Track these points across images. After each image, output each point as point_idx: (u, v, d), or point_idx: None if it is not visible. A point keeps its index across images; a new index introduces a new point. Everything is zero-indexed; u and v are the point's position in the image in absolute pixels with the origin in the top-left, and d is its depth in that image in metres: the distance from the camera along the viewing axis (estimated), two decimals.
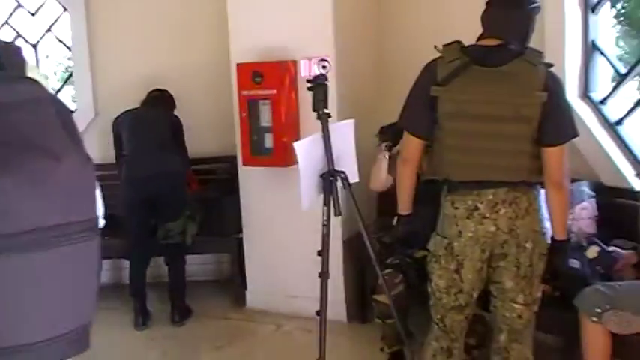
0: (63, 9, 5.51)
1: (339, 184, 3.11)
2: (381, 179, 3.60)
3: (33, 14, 5.76)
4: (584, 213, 3.79)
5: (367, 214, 4.08)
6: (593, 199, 3.81)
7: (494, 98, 2.57)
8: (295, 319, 4.47)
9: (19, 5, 5.79)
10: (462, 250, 2.69)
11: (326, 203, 3.06)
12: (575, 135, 2.69)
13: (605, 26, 4.18)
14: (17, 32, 5.85)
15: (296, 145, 2.98)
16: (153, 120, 4.72)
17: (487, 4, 2.71)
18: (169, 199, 4.55)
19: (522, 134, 2.59)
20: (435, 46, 2.66)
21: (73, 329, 1.49)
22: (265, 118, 4.42)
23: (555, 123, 2.59)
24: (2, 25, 5.86)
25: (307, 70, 3.03)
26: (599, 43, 4.08)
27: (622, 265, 3.40)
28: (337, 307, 4.27)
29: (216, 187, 5.06)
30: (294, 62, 4.37)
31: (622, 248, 3.49)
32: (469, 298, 2.78)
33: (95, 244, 1.52)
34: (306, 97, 4.38)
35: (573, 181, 3.79)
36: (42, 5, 5.68)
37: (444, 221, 2.74)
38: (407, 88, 2.74)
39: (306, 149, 3.03)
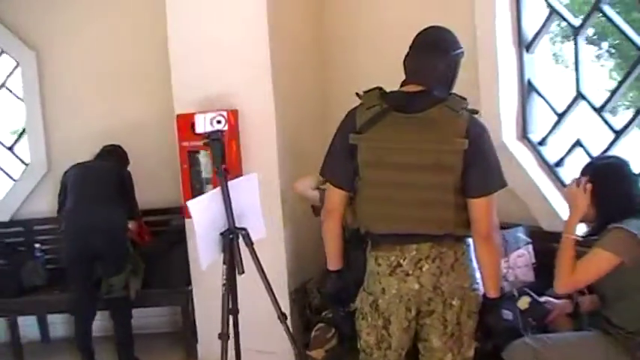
0: (15, 63, 5.51)
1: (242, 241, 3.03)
2: (306, 183, 3.55)
3: None
4: (521, 260, 3.63)
5: (316, 263, 4.01)
6: (529, 246, 3.64)
7: (414, 146, 2.45)
8: None
9: None
10: (387, 308, 2.58)
11: (225, 262, 2.98)
12: (503, 185, 2.54)
13: (542, 65, 4.05)
14: None
15: (190, 203, 2.90)
16: (99, 173, 4.69)
17: (410, 47, 2.63)
18: (109, 253, 4.47)
19: (444, 184, 2.45)
20: (357, 93, 2.58)
21: None
22: (206, 169, 4.35)
23: (479, 173, 2.46)
24: None
25: (203, 126, 2.94)
26: (536, 83, 3.96)
27: (556, 316, 3.24)
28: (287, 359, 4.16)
29: (168, 238, 4.98)
30: (234, 112, 4.33)
31: (558, 297, 3.32)
32: (398, 356, 2.67)
33: None
34: (249, 147, 4.41)
35: (509, 227, 3.67)
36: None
37: (369, 277, 2.65)
38: None
39: (203, 207, 2.95)
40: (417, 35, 2.65)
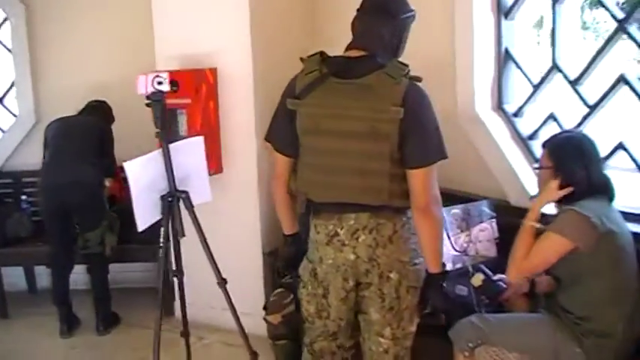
0: (4, 16, 5.51)
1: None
2: None
3: None
4: (483, 235, 3.55)
5: None
6: (493, 220, 3.56)
7: (349, 113, 2.36)
8: (219, 331, 4.37)
9: None
10: (325, 277, 2.54)
11: (164, 224, 2.95)
12: (442, 157, 2.42)
13: (522, 33, 3.90)
14: None
15: (126, 164, 2.86)
16: (79, 129, 4.67)
17: (357, 9, 2.54)
18: (85, 209, 4.48)
19: (380, 153, 2.36)
20: (301, 58, 2.51)
21: None
22: (182, 128, 4.30)
23: (417, 143, 2.36)
24: None
25: (144, 87, 2.87)
26: (514, 52, 3.81)
27: (511, 295, 3.15)
28: (257, 321, 4.14)
29: None
30: (213, 70, 4.27)
31: None
32: (337, 326, 2.62)
33: None
34: (228, 106, 4.35)
35: (475, 199, 3.58)
36: None
37: (310, 245, 2.61)
38: None
39: (140, 168, 2.91)
40: None
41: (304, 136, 2.46)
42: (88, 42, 5.33)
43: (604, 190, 2.80)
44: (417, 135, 2.35)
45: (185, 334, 3.40)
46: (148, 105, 2.93)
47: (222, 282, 3.13)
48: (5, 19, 5.52)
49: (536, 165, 3.01)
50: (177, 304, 4.77)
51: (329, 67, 2.42)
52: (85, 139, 4.60)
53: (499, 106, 3.87)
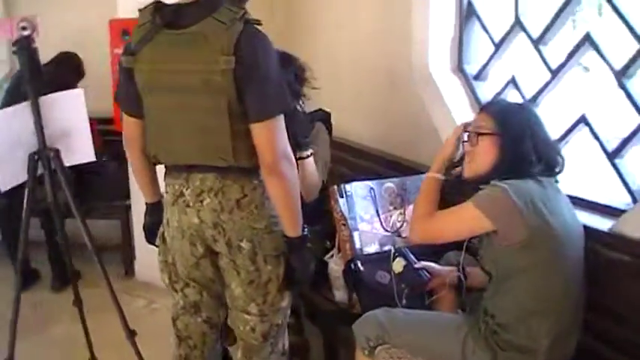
0: None
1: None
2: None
3: None
4: None
5: None
6: None
7: (181, 67, 2.14)
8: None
9: None
10: (172, 242, 2.37)
11: (28, 185, 2.68)
12: (285, 109, 2.19)
13: None
14: None
15: None
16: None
17: None
18: None
19: (217, 108, 2.13)
20: (139, 9, 2.25)
21: None
22: None
23: (255, 94, 2.12)
24: None
25: (8, 31, 2.59)
26: (478, 5, 3.30)
27: (436, 286, 2.74)
28: None
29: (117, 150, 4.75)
30: None
31: (451, 265, 2.80)
32: (198, 296, 2.42)
33: None
34: None
35: (415, 172, 3.14)
36: None
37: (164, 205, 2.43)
38: None
39: (1, 122, 2.64)
40: None
41: (143, 94, 2.26)
42: None
43: (550, 169, 2.34)
44: (254, 85, 2.11)
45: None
46: (14, 52, 2.65)
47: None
48: None
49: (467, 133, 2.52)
50: (136, 263, 4.67)
51: (161, 17, 2.17)
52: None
53: (459, 68, 3.37)
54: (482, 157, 2.36)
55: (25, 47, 2.61)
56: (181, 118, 2.20)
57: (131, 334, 2.93)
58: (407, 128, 3.46)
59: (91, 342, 3.30)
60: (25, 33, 2.59)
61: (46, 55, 4.35)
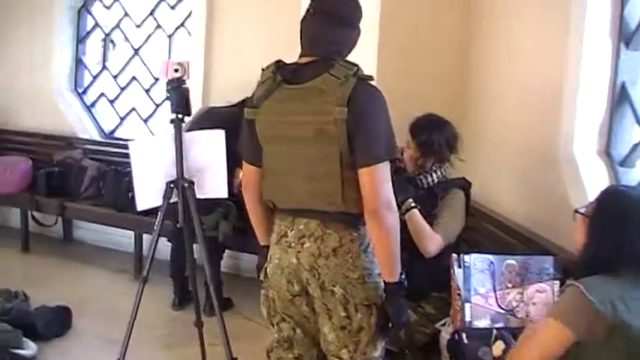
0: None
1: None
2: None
3: (172, 7, 6.33)
4: (539, 297, 2.98)
5: None
6: (556, 282, 2.99)
7: (297, 118, 2.36)
8: None
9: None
10: (272, 277, 2.54)
11: (162, 209, 2.96)
12: (391, 156, 2.38)
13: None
14: (158, 24, 6.44)
15: (131, 144, 2.92)
16: (220, 117, 4.85)
17: (309, 10, 2.48)
18: None
19: (330, 156, 2.33)
20: (262, 68, 2.52)
21: None
22: None
23: (363, 141, 2.31)
24: (147, 17, 6.48)
25: (164, 72, 2.92)
26: (633, 89, 3.16)
27: None
28: None
29: None
30: None
31: None
32: (292, 332, 2.57)
33: None
34: None
35: (547, 253, 3.06)
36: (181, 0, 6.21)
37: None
38: None
39: (145, 150, 2.96)
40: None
41: (263, 143, 2.48)
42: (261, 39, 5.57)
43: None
44: (364, 133, 2.30)
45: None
46: (169, 91, 2.97)
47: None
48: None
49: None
50: None
51: (282, 74, 2.41)
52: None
53: (606, 151, 3.24)
54: (578, 239, 2.28)
55: (176, 87, 2.91)
56: (293, 166, 2.40)
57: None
58: (545, 206, 3.39)
59: None
60: (177, 75, 2.90)
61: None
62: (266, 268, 2.57)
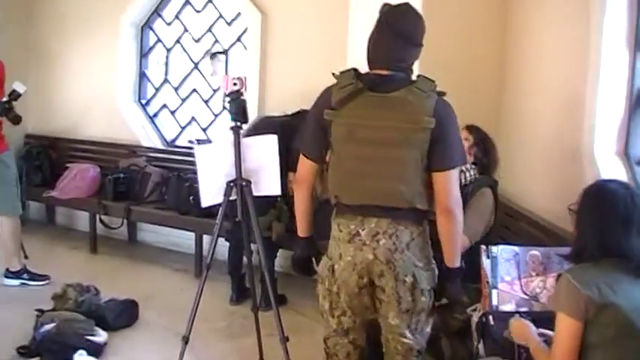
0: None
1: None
2: None
3: (229, 24, 6.73)
4: None
5: None
6: None
7: (384, 124, 2.63)
8: None
9: (220, 16, 6.79)
10: (341, 274, 2.75)
11: (222, 205, 3.34)
12: (464, 162, 2.82)
13: None
14: (216, 38, 6.86)
15: (197, 148, 3.33)
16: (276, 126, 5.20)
17: (379, 28, 2.74)
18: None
19: (412, 159, 2.64)
20: (333, 73, 2.77)
21: None
22: None
23: (443, 149, 2.65)
24: (205, 32, 6.90)
25: (225, 86, 3.32)
26: None
27: None
28: None
29: None
30: None
31: None
32: (352, 323, 2.85)
33: None
34: None
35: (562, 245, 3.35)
36: (237, 16, 6.61)
37: (331, 243, 2.84)
38: None
39: (209, 154, 3.35)
40: (388, 13, 2.73)
41: (338, 143, 2.70)
42: (309, 53, 5.94)
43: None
44: (445, 142, 2.63)
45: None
46: (228, 102, 3.36)
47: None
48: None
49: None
50: None
51: (363, 82, 2.66)
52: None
53: (625, 151, 3.52)
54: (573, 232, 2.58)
55: (235, 98, 3.30)
56: (374, 166, 2.65)
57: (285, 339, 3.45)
58: (569, 202, 3.65)
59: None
60: (236, 88, 3.30)
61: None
62: (333, 266, 2.78)
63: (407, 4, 2.78)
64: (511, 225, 4.27)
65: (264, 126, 5.17)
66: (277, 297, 5.09)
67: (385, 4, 2.76)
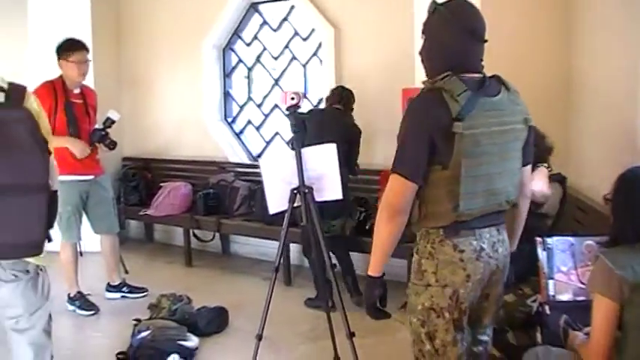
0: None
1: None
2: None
3: (304, 39, 7.01)
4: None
5: None
6: None
7: (502, 128, 2.53)
8: None
9: (296, 33, 7.08)
10: (467, 297, 2.55)
11: (288, 211, 3.57)
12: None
13: None
14: (293, 55, 7.13)
15: (261, 159, 3.56)
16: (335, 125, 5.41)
17: (461, 31, 2.52)
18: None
19: (518, 158, 2.65)
20: (426, 81, 2.57)
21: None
22: None
23: (529, 145, 2.68)
24: (283, 49, 7.19)
25: (283, 100, 3.55)
26: None
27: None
28: None
29: None
30: None
31: None
32: (465, 337, 2.65)
33: None
34: None
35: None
36: (312, 32, 6.87)
37: (442, 269, 2.52)
38: None
39: (272, 163, 3.59)
40: (455, 12, 2.53)
41: (464, 156, 2.43)
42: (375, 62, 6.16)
43: None
44: (529, 140, 2.66)
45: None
46: (286, 116, 3.59)
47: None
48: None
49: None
50: None
51: (470, 87, 2.47)
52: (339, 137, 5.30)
53: None
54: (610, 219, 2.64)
55: (292, 112, 3.52)
56: (497, 172, 2.54)
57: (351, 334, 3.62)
58: None
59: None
60: (294, 102, 3.51)
61: None
62: (456, 292, 2.51)
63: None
64: (583, 219, 4.29)
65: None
66: (357, 286, 5.38)
67: (435, 2, 2.57)
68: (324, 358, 4.35)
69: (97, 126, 5.61)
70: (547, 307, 3.17)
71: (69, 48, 5.37)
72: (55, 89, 5.38)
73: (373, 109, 5.88)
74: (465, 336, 2.60)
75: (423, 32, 2.65)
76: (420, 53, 2.66)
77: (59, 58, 5.38)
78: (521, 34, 5.07)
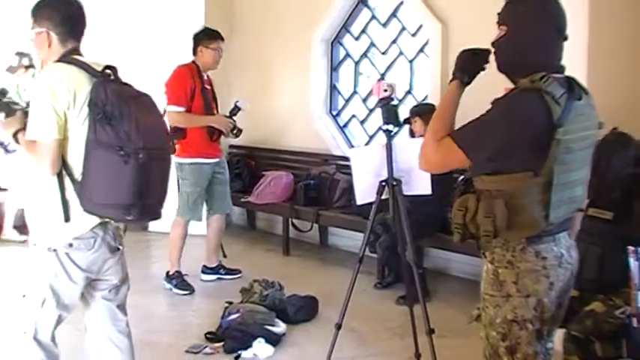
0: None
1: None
2: None
3: (413, 35, 6.96)
4: None
5: None
6: None
7: (585, 133, 2.45)
8: None
9: (404, 28, 7.05)
10: (550, 306, 2.47)
11: (375, 203, 3.57)
12: None
13: None
14: (401, 50, 7.10)
15: (350, 151, 3.58)
16: None
17: (553, 28, 2.44)
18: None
19: (590, 162, 2.57)
20: (518, 81, 2.44)
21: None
22: None
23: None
24: (390, 45, 7.17)
25: (377, 92, 3.55)
26: None
27: None
28: None
29: None
30: None
31: None
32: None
33: None
34: None
35: None
36: (420, 27, 6.82)
37: (523, 278, 2.41)
38: None
39: (362, 156, 3.60)
40: (555, 10, 2.44)
41: (556, 164, 2.33)
42: None
43: None
44: None
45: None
46: (380, 107, 3.59)
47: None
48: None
49: None
50: None
51: (572, 89, 2.39)
52: None
53: None
54: None
55: (385, 103, 3.52)
56: (579, 177, 2.47)
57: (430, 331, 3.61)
58: None
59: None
60: (387, 94, 3.51)
61: None
62: (541, 300, 2.42)
63: None
64: None
65: None
66: (425, 286, 5.28)
67: None
68: (407, 354, 4.32)
69: (225, 113, 5.96)
70: (635, 320, 3.06)
71: (210, 36, 5.78)
72: (192, 72, 5.78)
73: (479, 108, 5.76)
74: (542, 347, 2.49)
75: (503, 22, 2.52)
76: (495, 44, 2.55)
77: (198, 44, 5.78)
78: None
